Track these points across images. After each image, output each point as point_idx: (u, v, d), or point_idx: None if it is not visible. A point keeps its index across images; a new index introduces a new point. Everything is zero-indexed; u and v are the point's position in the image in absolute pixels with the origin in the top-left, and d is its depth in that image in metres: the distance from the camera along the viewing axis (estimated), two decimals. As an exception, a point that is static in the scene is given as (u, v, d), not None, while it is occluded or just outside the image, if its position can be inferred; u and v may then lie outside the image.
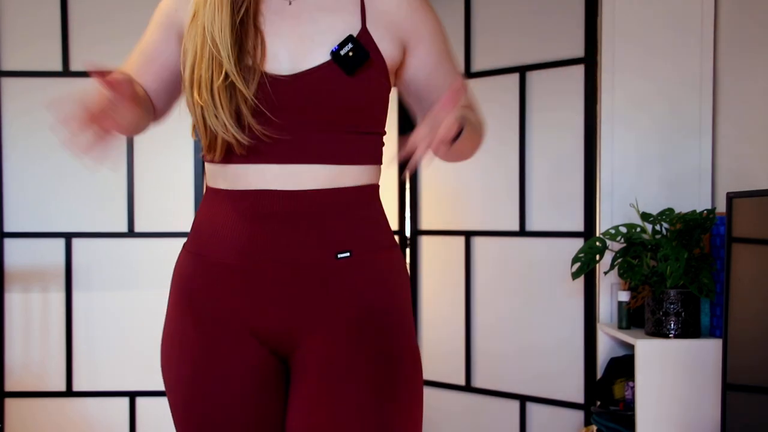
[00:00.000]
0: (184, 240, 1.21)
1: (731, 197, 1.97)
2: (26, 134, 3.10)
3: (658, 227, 2.46)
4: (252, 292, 1.26)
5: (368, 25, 1.29)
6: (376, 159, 1.33)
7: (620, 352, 2.71)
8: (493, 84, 3.12)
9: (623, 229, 2.49)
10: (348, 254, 1.27)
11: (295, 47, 1.25)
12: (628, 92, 2.71)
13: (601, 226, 2.73)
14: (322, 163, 1.26)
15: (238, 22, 1.23)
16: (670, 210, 2.43)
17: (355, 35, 1.26)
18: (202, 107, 1.22)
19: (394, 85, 1.37)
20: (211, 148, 1.25)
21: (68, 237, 3.11)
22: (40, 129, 3.10)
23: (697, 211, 2.40)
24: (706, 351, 2.32)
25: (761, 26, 2.46)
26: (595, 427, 2.61)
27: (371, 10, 1.30)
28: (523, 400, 3.07)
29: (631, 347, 2.51)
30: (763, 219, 1.86)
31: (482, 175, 3.16)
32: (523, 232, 3.05)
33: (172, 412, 1.33)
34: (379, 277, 1.30)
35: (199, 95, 1.22)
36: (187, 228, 3.11)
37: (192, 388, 1.29)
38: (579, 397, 2.90)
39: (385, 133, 1.35)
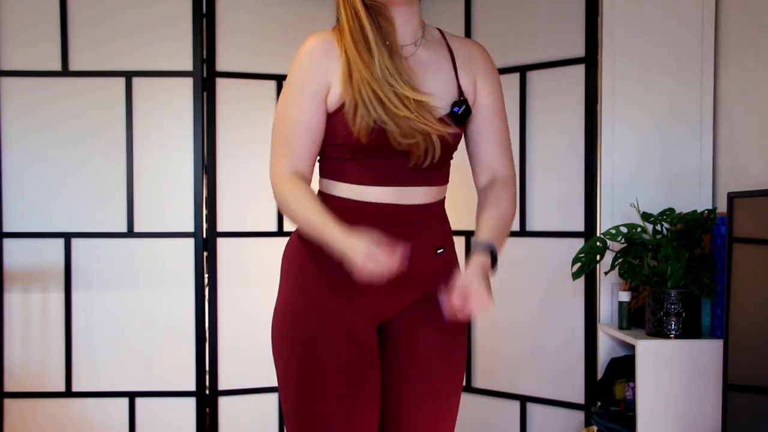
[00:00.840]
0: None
1: (732, 197, 1.97)
2: (25, 134, 3.10)
3: (658, 227, 2.46)
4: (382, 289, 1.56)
5: (460, 79, 1.65)
6: (448, 179, 1.71)
7: (621, 353, 2.71)
8: (494, 84, 3.12)
9: (624, 229, 2.49)
10: (443, 250, 1.67)
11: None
12: (628, 92, 2.70)
13: (602, 226, 2.73)
14: (428, 186, 1.63)
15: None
16: (671, 210, 2.43)
17: (458, 96, 1.63)
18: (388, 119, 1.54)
19: None
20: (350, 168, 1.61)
21: (68, 237, 3.11)
22: (40, 129, 3.10)
23: (698, 211, 2.40)
24: (707, 351, 2.31)
25: (762, 26, 2.46)
26: (595, 428, 2.61)
27: (460, 67, 1.66)
28: (524, 400, 3.06)
29: (632, 347, 2.51)
30: (764, 219, 1.86)
31: (482, 175, 3.16)
32: (523, 232, 3.05)
33: (287, 373, 1.62)
34: (454, 266, 1.70)
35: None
36: (187, 228, 3.11)
37: (312, 352, 1.59)
38: (579, 398, 2.90)
39: (448, 171, 1.70)
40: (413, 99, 1.53)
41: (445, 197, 1.71)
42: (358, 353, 1.60)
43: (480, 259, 1.54)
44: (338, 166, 1.61)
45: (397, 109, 1.52)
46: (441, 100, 1.60)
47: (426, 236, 1.63)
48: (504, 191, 1.68)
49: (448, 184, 1.71)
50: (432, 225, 1.65)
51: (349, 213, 1.58)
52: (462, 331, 1.68)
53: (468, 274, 1.50)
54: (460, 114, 1.62)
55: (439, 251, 1.66)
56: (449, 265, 1.68)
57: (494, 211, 1.64)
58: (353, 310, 1.60)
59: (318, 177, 1.65)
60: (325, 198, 1.63)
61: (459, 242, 3.20)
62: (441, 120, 1.58)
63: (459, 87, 1.64)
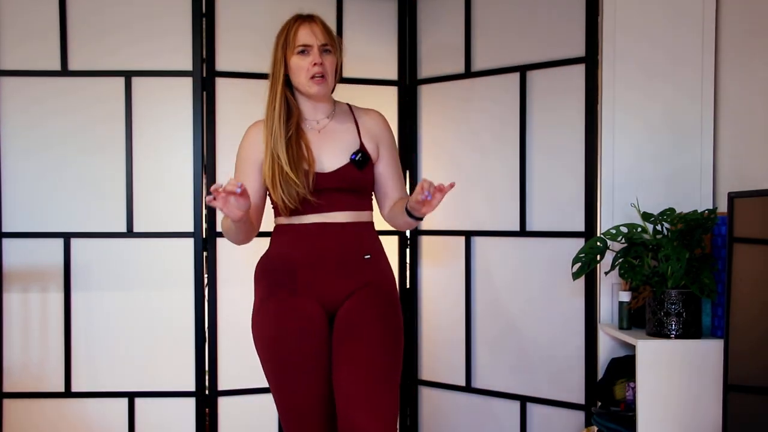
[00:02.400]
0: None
1: (732, 197, 1.97)
2: (25, 134, 3.10)
3: (659, 227, 2.45)
4: (319, 276, 2.25)
5: (363, 140, 2.33)
6: (371, 207, 2.37)
7: (621, 353, 2.70)
8: (494, 83, 3.12)
9: (624, 229, 2.49)
10: (369, 256, 2.29)
11: (330, 155, 2.28)
12: (628, 91, 2.70)
13: (602, 226, 2.73)
14: (347, 211, 2.28)
15: (293, 148, 2.25)
16: (671, 210, 2.43)
17: (358, 148, 2.30)
18: (281, 193, 2.22)
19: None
20: (284, 210, 2.26)
21: (67, 237, 3.11)
22: (39, 129, 3.10)
23: (699, 211, 2.40)
24: (708, 351, 2.31)
25: (762, 26, 2.45)
26: (595, 428, 2.60)
27: (362, 130, 2.34)
28: (524, 400, 3.06)
29: (632, 348, 2.51)
30: (765, 219, 1.86)
31: (483, 175, 3.16)
32: (523, 232, 3.05)
33: (261, 361, 2.28)
34: (383, 270, 2.34)
35: (279, 187, 2.23)
36: (186, 228, 3.11)
37: (277, 334, 2.23)
38: (580, 398, 2.90)
39: (371, 194, 2.38)
40: (293, 167, 2.21)
41: (369, 221, 2.33)
42: (312, 333, 2.21)
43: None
44: (278, 207, 2.30)
45: (283, 182, 2.21)
46: (347, 154, 2.28)
47: (351, 245, 2.26)
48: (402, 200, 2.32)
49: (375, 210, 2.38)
50: (355, 238, 2.27)
51: (291, 231, 2.28)
52: (392, 305, 2.27)
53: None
54: (358, 160, 2.26)
55: (366, 257, 2.28)
56: (380, 265, 2.32)
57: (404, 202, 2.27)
58: (305, 303, 2.23)
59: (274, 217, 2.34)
60: (279, 228, 2.33)
61: (459, 242, 3.21)
62: (340, 170, 2.25)
63: (361, 143, 2.30)
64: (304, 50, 2.24)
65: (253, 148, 2.30)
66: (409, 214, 2.19)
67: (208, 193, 2.02)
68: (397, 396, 2.20)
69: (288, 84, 2.29)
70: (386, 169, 2.36)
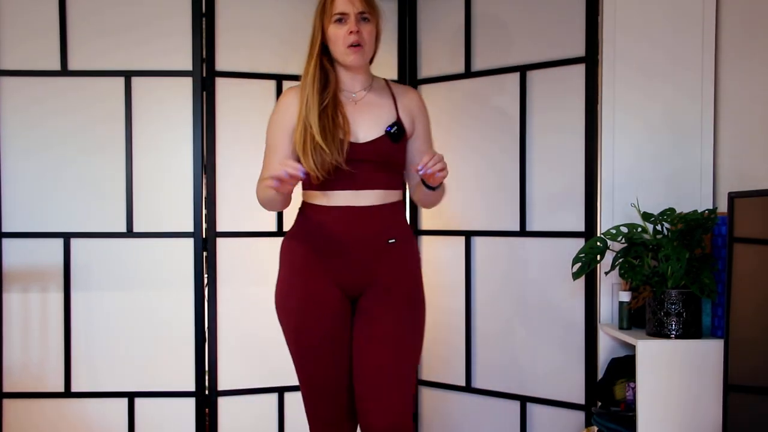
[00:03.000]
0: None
1: (733, 197, 1.97)
2: (25, 134, 3.09)
3: (659, 227, 2.45)
4: (341, 261, 2.27)
5: (400, 113, 2.31)
6: (400, 186, 2.34)
7: (621, 353, 2.70)
8: (494, 83, 3.11)
9: (624, 229, 2.49)
10: (394, 240, 2.28)
11: (366, 127, 2.27)
12: (629, 91, 2.70)
13: (602, 226, 2.73)
14: (376, 189, 2.26)
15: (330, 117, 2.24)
16: (672, 210, 2.43)
17: (395, 120, 2.28)
18: (311, 161, 2.20)
19: None
20: (316, 179, 2.21)
21: (67, 237, 3.11)
22: (39, 129, 3.10)
23: (699, 211, 2.40)
24: (708, 351, 2.31)
25: (763, 26, 2.45)
26: (596, 428, 2.60)
27: (400, 107, 2.33)
28: (524, 400, 3.06)
29: (632, 348, 2.50)
30: (765, 219, 1.86)
31: (483, 175, 3.16)
32: (523, 232, 3.04)
33: (285, 337, 2.32)
34: (407, 254, 2.33)
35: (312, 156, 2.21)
36: (186, 228, 3.11)
37: (301, 316, 2.26)
38: (580, 398, 2.89)
39: (403, 172, 2.38)
40: (328, 136, 2.19)
41: (398, 200, 2.32)
42: (333, 318, 2.25)
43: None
44: (308, 180, 2.26)
45: (314, 150, 2.20)
46: (382, 126, 2.27)
47: (375, 231, 2.25)
48: None
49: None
50: (381, 223, 2.25)
51: (317, 213, 2.28)
52: (416, 308, 2.30)
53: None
54: (393, 132, 2.25)
55: (390, 241, 2.27)
56: (404, 249, 2.31)
57: None
58: (325, 288, 2.25)
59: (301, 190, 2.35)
60: (306, 207, 2.34)
61: (459, 242, 3.21)
62: (375, 141, 2.24)
63: (398, 116, 2.29)
64: (341, 18, 2.21)
65: (287, 114, 2.28)
66: (424, 183, 2.24)
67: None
68: (412, 384, 2.29)
69: (327, 53, 2.27)
70: (422, 147, 2.35)
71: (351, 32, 2.20)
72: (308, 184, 2.29)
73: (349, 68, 2.27)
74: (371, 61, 2.37)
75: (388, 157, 2.26)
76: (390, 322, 2.23)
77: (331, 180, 2.22)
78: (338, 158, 2.18)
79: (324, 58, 2.26)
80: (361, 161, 2.22)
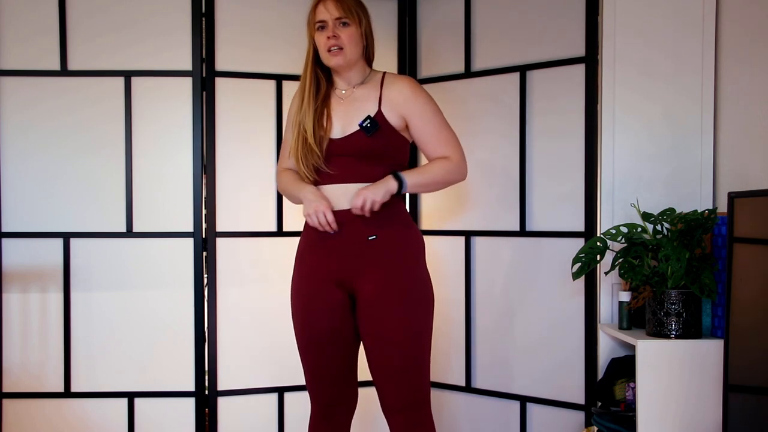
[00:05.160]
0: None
1: (733, 197, 1.97)
2: (24, 134, 3.09)
3: (659, 227, 2.45)
4: (328, 259, 2.40)
5: (382, 108, 2.39)
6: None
7: (621, 353, 2.70)
8: (494, 83, 3.11)
9: (624, 229, 2.49)
10: (374, 237, 2.35)
11: (345, 123, 2.39)
12: (629, 91, 2.70)
13: (602, 226, 2.72)
14: (360, 182, 2.36)
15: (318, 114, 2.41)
16: (671, 210, 2.42)
17: (372, 115, 2.36)
18: (302, 164, 2.39)
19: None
20: (306, 179, 2.41)
21: (66, 237, 3.10)
22: (38, 129, 3.10)
23: (699, 211, 2.39)
24: (708, 351, 2.31)
25: (763, 26, 2.45)
26: (595, 428, 2.60)
27: (384, 99, 2.40)
28: (524, 400, 3.06)
29: (632, 348, 2.50)
30: (765, 219, 1.85)
31: (482, 175, 3.15)
32: (523, 232, 3.04)
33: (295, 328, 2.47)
34: (395, 246, 2.37)
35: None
36: (186, 228, 3.11)
37: (304, 313, 2.42)
38: (580, 398, 2.89)
39: (398, 163, 2.43)
40: (316, 137, 2.36)
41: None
42: (331, 318, 2.38)
43: (385, 179, 2.32)
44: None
45: (304, 153, 2.38)
46: (359, 121, 2.37)
47: (355, 226, 2.34)
48: (438, 160, 2.42)
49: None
50: (361, 218, 2.33)
51: None
52: (415, 289, 2.36)
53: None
54: (366, 126, 2.34)
55: (370, 238, 2.35)
56: (394, 242, 2.37)
57: (423, 165, 2.44)
58: (327, 285, 2.38)
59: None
60: None
61: (459, 242, 3.21)
62: (350, 136, 2.36)
63: (379, 111, 2.37)
64: (322, 26, 2.39)
65: (292, 109, 2.50)
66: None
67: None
68: (426, 362, 2.38)
69: (320, 60, 2.44)
70: (419, 135, 2.42)
71: (328, 37, 2.37)
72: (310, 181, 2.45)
73: (334, 70, 2.43)
74: (371, 60, 2.47)
75: (368, 151, 2.35)
76: (390, 309, 2.33)
77: (321, 176, 2.38)
78: (319, 160, 2.36)
79: (317, 65, 2.44)
80: (341, 156, 2.36)
